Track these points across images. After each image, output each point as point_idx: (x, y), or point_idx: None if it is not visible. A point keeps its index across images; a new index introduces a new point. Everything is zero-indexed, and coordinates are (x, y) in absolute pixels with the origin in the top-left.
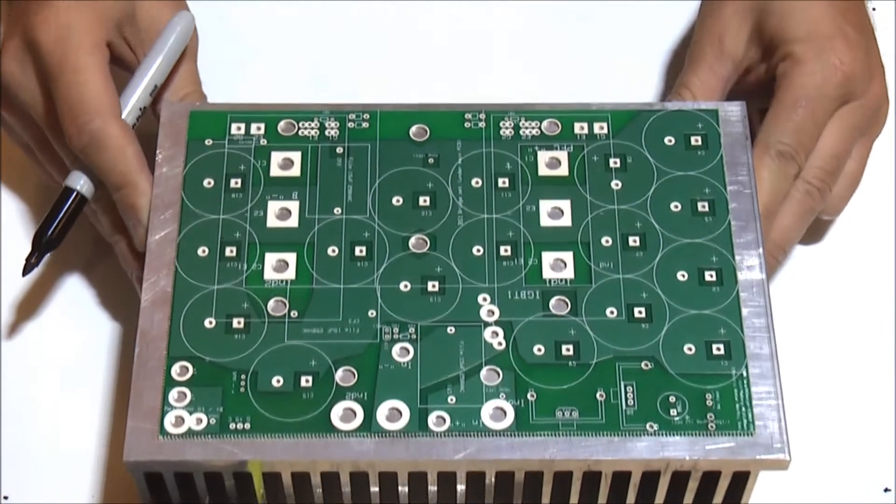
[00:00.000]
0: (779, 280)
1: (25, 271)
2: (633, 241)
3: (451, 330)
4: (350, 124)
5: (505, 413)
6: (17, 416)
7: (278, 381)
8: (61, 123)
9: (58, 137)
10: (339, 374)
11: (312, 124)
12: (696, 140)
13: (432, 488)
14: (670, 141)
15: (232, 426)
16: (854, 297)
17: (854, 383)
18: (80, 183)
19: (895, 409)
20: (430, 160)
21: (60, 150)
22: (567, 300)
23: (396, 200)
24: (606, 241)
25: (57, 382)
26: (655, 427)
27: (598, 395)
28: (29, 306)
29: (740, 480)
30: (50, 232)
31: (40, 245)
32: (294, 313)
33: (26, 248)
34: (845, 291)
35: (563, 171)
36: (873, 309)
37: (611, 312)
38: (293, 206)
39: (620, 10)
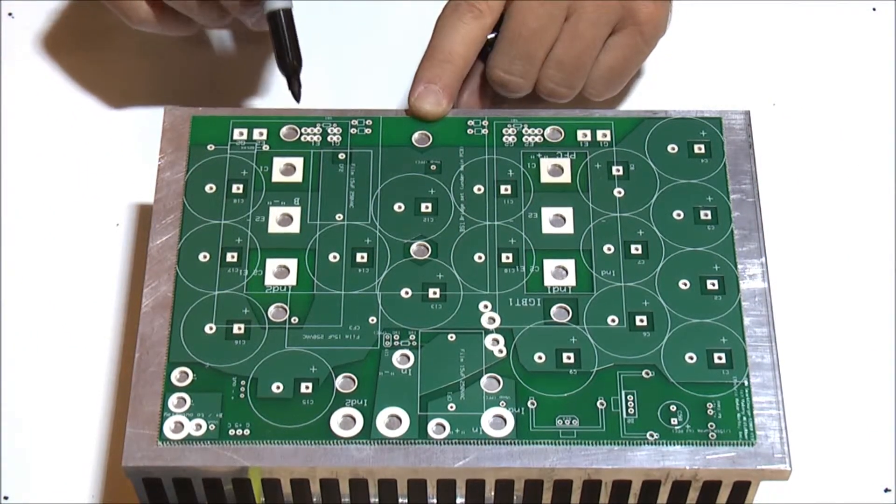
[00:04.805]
0: (780, 289)
1: (298, 98)
2: (635, 248)
3: (451, 337)
4: (352, 130)
5: (505, 421)
6: (17, 416)
7: (278, 388)
8: None
9: None
10: (339, 381)
11: (315, 130)
12: (699, 148)
13: (432, 499)
14: (673, 149)
15: (231, 432)
16: (854, 298)
17: (854, 384)
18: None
19: (895, 410)
20: (433, 167)
21: None
22: (568, 308)
23: (398, 207)
24: (608, 248)
25: (57, 384)
26: (656, 436)
27: (598, 404)
28: (29, 308)
29: (741, 489)
30: (288, 59)
31: (288, 72)
32: (294, 319)
33: (26, 248)
34: (845, 293)
35: (565, 178)
36: (874, 311)
37: (612, 321)
38: (295, 211)
39: None
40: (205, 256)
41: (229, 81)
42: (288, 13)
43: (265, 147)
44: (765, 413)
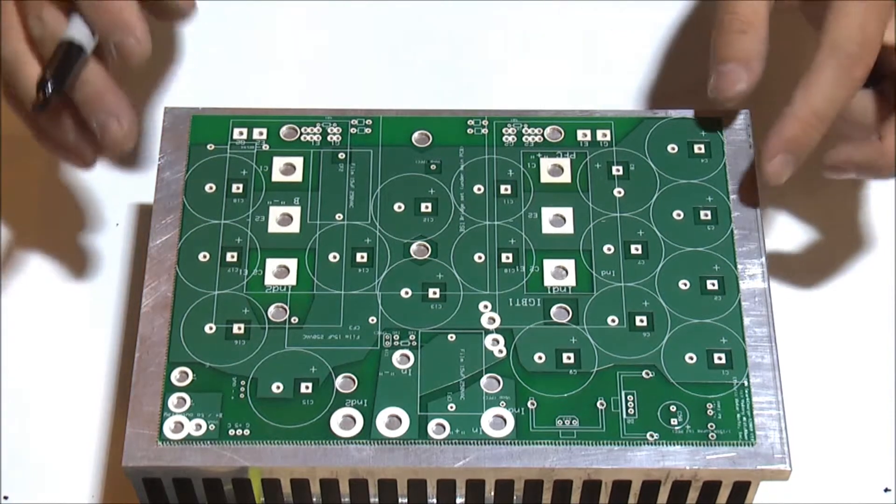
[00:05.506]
0: (780, 289)
1: (40, 106)
2: (635, 249)
3: (451, 337)
4: (352, 130)
5: (505, 421)
6: (18, 416)
7: (278, 388)
8: None
9: None
10: (339, 381)
11: (315, 130)
12: (699, 148)
13: (432, 499)
14: (673, 149)
15: (231, 432)
16: (854, 298)
17: (854, 384)
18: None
19: (895, 410)
20: (433, 166)
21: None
22: (568, 308)
23: (398, 207)
24: (608, 248)
25: (57, 384)
26: (656, 436)
27: (598, 404)
28: (29, 308)
29: (741, 490)
30: (47, 78)
31: (43, 84)
32: (294, 319)
33: (26, 248)
34: (845, 293)
35: (565, 178)
36: (874, 311)
37: (612, 321)
38: (295, 211)
39: (625, 15)
40: (205, 256)
41: (229, 81)
42: (79, 50)
43: (265, 147)
44: (765, 413)
